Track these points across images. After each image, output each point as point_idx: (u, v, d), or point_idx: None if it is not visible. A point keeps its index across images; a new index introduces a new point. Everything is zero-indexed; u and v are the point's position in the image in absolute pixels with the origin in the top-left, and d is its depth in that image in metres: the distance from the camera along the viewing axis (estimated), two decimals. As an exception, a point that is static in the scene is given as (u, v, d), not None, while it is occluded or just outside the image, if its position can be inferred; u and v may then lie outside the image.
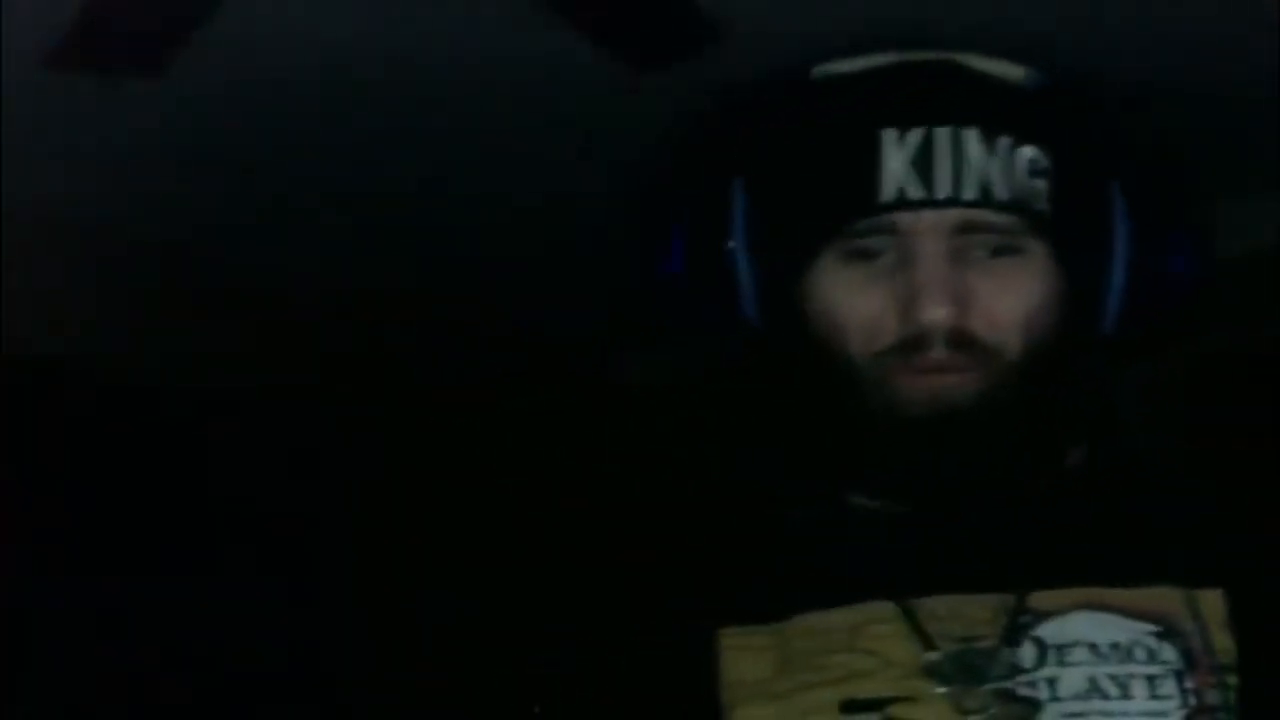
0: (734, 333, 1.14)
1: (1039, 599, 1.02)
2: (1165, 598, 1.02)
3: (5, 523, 3.10)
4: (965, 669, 1.01)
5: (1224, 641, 1.01)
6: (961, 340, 1.03)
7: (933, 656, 1.01)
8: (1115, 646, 1.00)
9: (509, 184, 3.37)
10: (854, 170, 1.05)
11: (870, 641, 1.03)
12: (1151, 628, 1.01)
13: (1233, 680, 1.00)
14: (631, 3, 2.44)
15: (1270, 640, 0.98)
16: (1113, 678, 0.99)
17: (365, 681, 3.63)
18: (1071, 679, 0.99)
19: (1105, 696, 0.99)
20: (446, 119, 3.07)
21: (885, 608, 1.03)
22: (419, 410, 4.00)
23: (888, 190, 1.04)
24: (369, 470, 3.84)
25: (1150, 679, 0.99)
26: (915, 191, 1.04)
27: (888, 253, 1.06)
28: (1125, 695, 0.99)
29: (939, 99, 1.07)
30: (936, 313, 1.02)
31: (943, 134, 1.04)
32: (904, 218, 1.05)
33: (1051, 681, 1.00)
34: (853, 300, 1.06)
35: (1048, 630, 1.01)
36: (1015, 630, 1.01)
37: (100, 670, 3.23)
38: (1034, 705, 0.99)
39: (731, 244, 1.11)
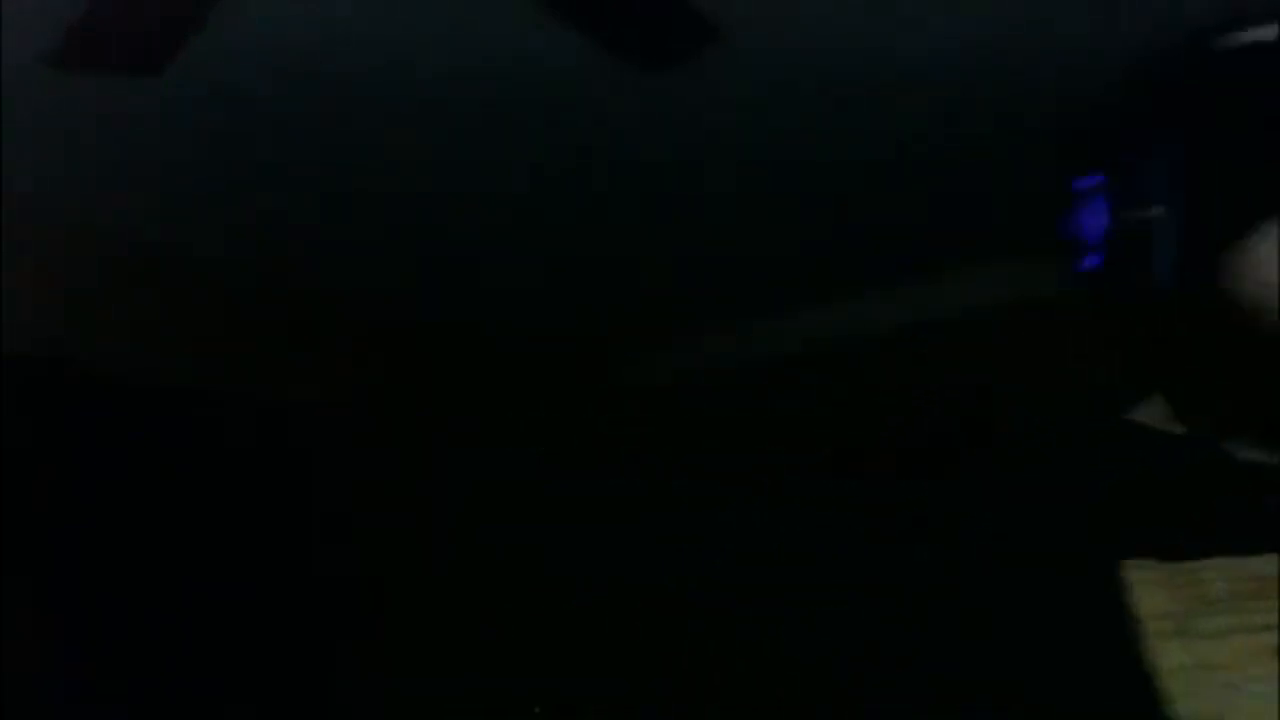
0: (1153, 298, 1.10)
1: None
2: None
3: (5, 523, 3.10)
4: None
5: None
6: None
7: None
8: None
9: (509, 184, 3.37)
10: None
11: None
12: None
13: None
14: (631, 3, 2.44)
15: None
16: None
17: (368, 683, 3.63)
18: None
19: None
20: (446, 119, 3.07)
21: None
22: (419, 410, 4.00)
23: None
24: (369, 470, 3.84)
25: None
26: None
27: None
28: None
29: None
30: None
31: None
32: None
33: None
34: None
35: None
36: None
37: (99, 670, 3.23)
38: None
39: (1155, 211, 1.08)
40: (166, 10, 2.35)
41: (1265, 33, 1.08)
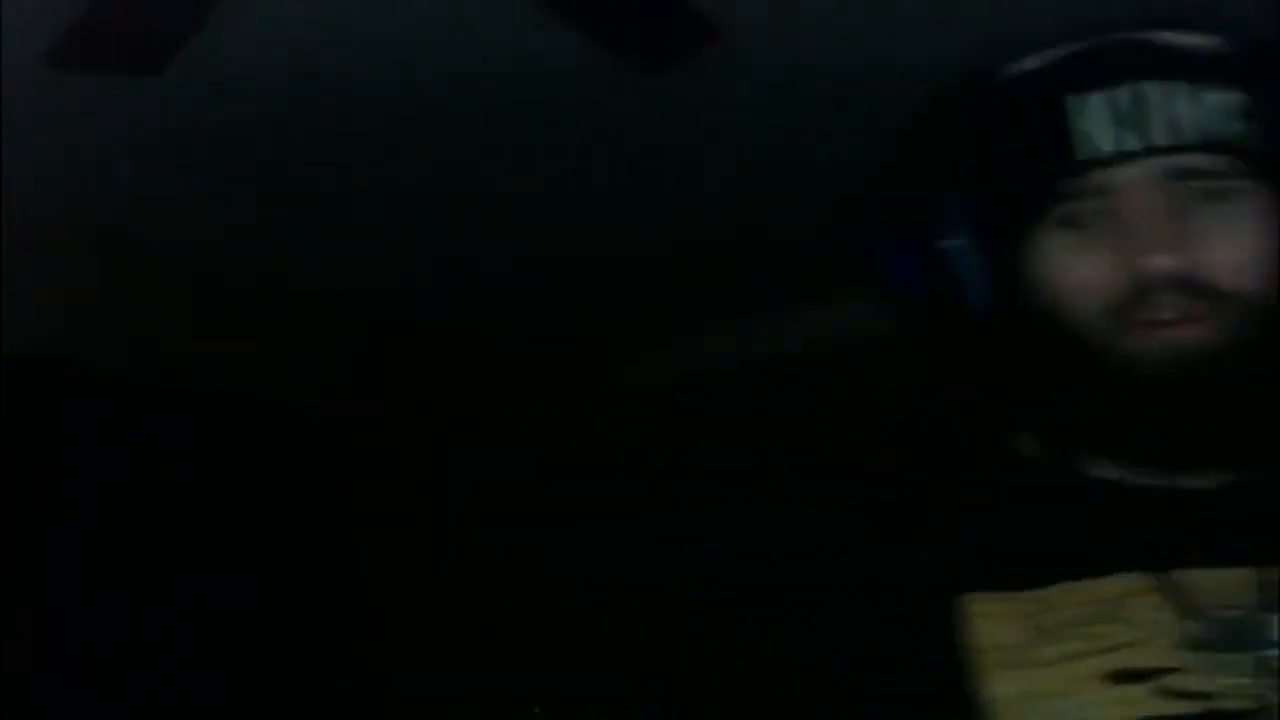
0: (966, 321, 1.12)
1: None
2: None
3: (5, 523, 3.10)
4: (1227, 637, 1.00)
5: None
6: (1188, 287, 1.02)
7: (1193, 626, 1.01)
8: None
9: (509, 184, 3.37)
10: (1050, 139, 1.05)
11: (1130, 613, 1.02)
12: None
13: None
14: (631, 3, 2.44)
15: None
16: None
17: (368, 683, 3.63)
18: None
19: None
20: (446, 119, 3.07)
21: (1141, 580, 1.02)
22: (419, 410, 4.00)
23: (1085, 149, 1.04)
24: (370, 470, 3.84)
25: None
26: (1109, 146, 1.04)
27: (1100, 215, 1.05)
28: None
29: (1121, 61, 1.07)
30: (1156, 261, 1.01)
31: (1126, 90, 1.04)
32: (1106, 175, 1.04)
33: None
34: (1074, 264, 1.05)
35: None
36: (1270, 602, 1.00)
37: (100, 670, 3.23)
38: None
39: (951, 243, 1.10)
40: (166, 10, 2.34)
41: (1042, 58, 1.10)
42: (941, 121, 1.18)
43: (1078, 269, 1.05)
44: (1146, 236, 1.02)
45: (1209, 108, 1.04)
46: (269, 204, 3.42)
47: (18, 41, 2.50)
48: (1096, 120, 1.05)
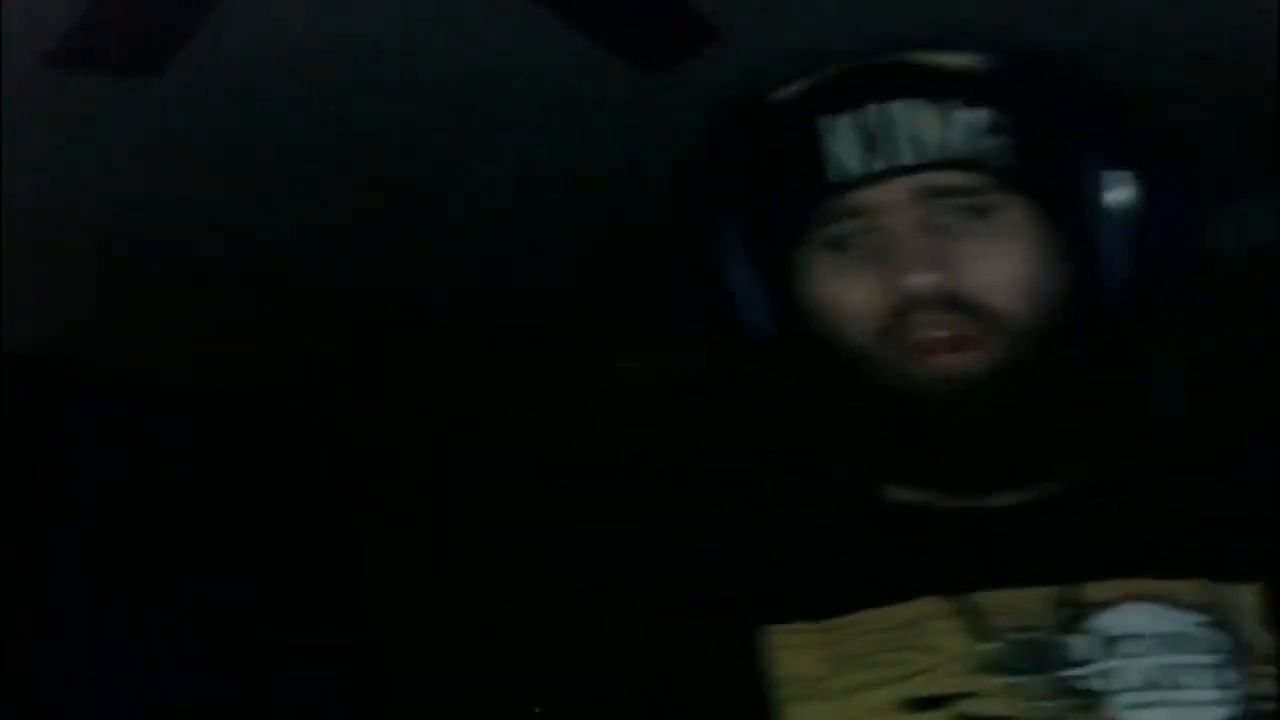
0: (757, 345, 1.14)
1: (1089, 591, 1.01)
2: (1209, 590, 1.01)
3: (5, 522, 3.10)
4: (1025, 659, 1.00)
5: (1262, 635, 1.00)
6: (953, 304, 1.02)
7: (990, 648, 1.01)
8: (1167, 636, 1.00)
9: (509, 184, 3.37)
10: (804, 161, 1.06)
11: (926, 638, 1.02)
12: (1200, 617, 1.01)
13: (1273, 671, 0.99)
14: (631, 3, 2.44)
15: None
16: (1167, 668, 0.99)
17: (372, 685, 3.63)
18: (1127, 670, 0.99)
19: (1161, 687, 0.98)
20: (446, 119, 3.07)
21: (938, 604, 1.03)
22: (420, 410, 4.00)
23: (835, 170, 1.05)
24: (369, 470, 3.83)
25: (1203, 668, 0.99)
26: (861, 166, 1.04)
27: (862, 237, 1.05)
28: (1180, 685, 0.98)
29: (873, 82, 1.07)
30: (916, 279, 1.02)
31: (876, 109, 1.05)
32: (863, 195, 1.05)
33: (1110, 674, 0.99)
34: (839, 288, 1.06)
35: (1102, 622, 1.00)
36: (1069, 621, 1.01)
37: (99, 669, 3.23)
38: (1094, 697, 0.99)
39: (731, 270, 1.12)
40: (166, 10, 2.34)
41: (803, 83, 1.11)
42: (714, 149, 1.19)
43: (844, 293, 1.05)
44: (904, 256, 1.02)
45: (958, 125, 1.04)
46: (269, 204, 3.42)
47: (18, 42, 2.50)
48: (845, 141, 1.05)
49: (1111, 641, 0.99)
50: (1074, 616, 1.00)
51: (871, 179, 1.04)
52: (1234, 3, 2.74)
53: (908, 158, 1.03)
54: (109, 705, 3.24)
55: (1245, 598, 1.01)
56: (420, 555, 3.77)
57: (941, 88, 1.05)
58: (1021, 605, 1.02)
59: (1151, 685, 0.98)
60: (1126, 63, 3.01)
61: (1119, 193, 1.06)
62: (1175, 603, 1.01)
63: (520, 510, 3.86)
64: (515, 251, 3.74)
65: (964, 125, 1.03)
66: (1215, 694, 0.98)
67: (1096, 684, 0.99)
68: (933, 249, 1.02)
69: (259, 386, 3.70)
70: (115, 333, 3.45)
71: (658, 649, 1.09)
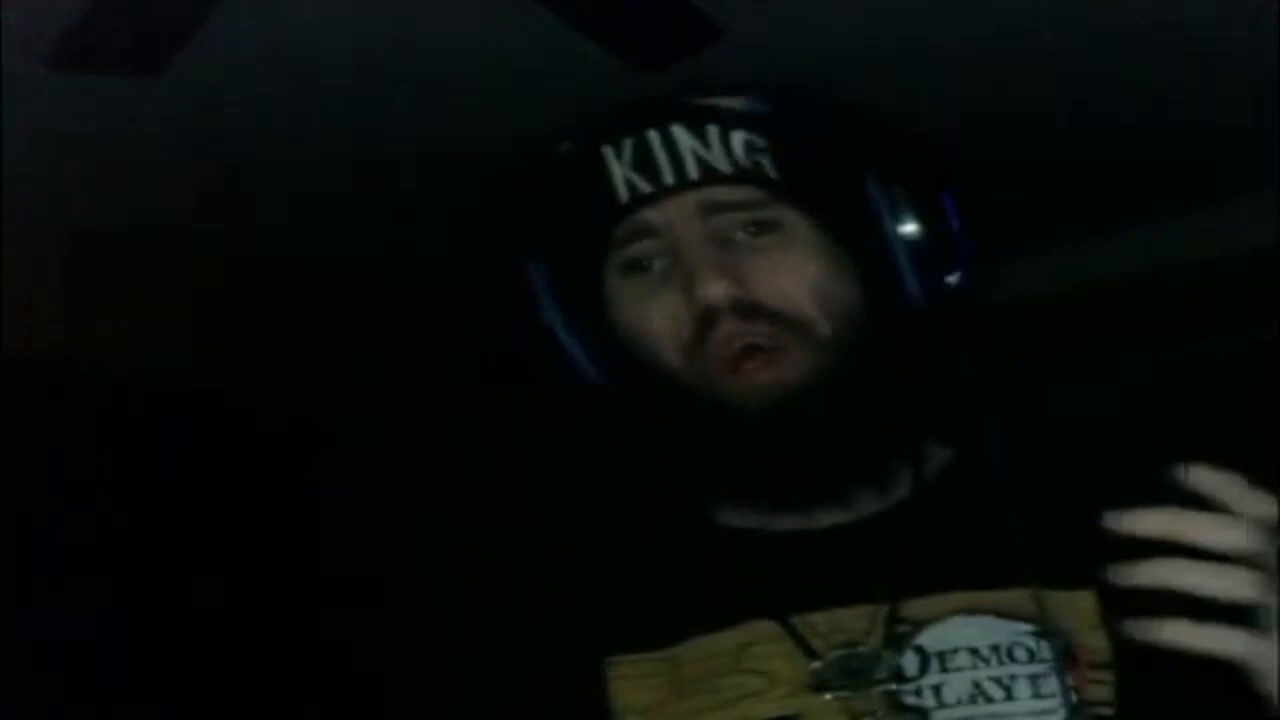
0: (579, 382, 1.17)
1: (915, 606, 1.03)
2: (1038, 599, 1.01)
3: (4, 522, 3.10)
4: (849, 673, 1.01)
5: (1097, 641, 1.01)
6: (752, 311, 1.04)
7: (817, 665, 1.02)
8: (995, 648, 1.01)
9: (509, 183, 3.37)
10: (590, 190, 1.10)
11: (757, 661, 1.03)
12: (1028, 627, 1.01)
13: (1109, 677, 1.00)
14: (631, 3, 2.44)
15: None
16: (996, 680, 1.00)
17: (362, 684, 3.64)
18: (956, 684, 1.00)
19: (990, 699, 0.99)
20: (446, 118, 3.07)
21: (768, 626, 1.04)
22: (420, 410, 4.00)
23: (621, 193, 1.08)
24: (369, 470, 3.84)
25: (1033, 678, 1.00)
26: (644, 186, 1.08)
27: (658, 257, 1.08)
28: (1010, 696, 0.99)
29: (647, 113, 1.12)
30: (709, 288, 1.04)
31: (654, 134, 1.09)
32: (649, 215, 1.08)
33: (936, 688, 1.00)
34: (642, 311, 1.08)
35: (928, 637, 1.01)
36: (895, 637, 1.02)
37: (99, 669, 3.23)
38: (921, 713, 0.99)
39: (545, 317, 1.16)
40: (166, 10, 2.34)
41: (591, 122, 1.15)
42: (517, 194, 1.23)
43: (647, 315, 1.08)
44: (696, 268, 1.05)
45: (734, 144, 1.08)
46: (269, 204, 3.42)
47: (19, 42, 2.50)
48: (629, 163, 1.09)
49: (939, 656, 1.00)
50: (902, 633, 1.01)
51: (656, 196, 1.07)
52: (1234, 3, 2.74)
53: (688, 174, 1.07)
54: (109, 703, 3.25)
55: (1078, 604, 1.02)
56: (420, 555, 3.78)
57: (715, 116, 1.10)
58: (849, 623, 1.02)
59: (977, 698, 0.99)
60: (1128, 64, 3.01)
61: (894, 214, 1.08)
62: (1003, 614, 1.02)
63: (519, 510, 3.86)
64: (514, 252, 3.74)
65: (738, 143, 1.08)
66: (1041, 703, 0.98)
67: (923, 700, 0.99)
68: (722, 259, 1.05)
69: (259, 386, 3.70)
70: (116, 333, 3.45)
71: (512, 684, 1.11)
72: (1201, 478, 0.89)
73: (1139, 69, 3.02)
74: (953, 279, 1.09)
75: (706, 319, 1.04)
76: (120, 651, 3.27)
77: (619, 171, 1.09)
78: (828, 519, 1.08)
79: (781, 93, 1.12)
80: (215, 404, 3.60)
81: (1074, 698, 0.99)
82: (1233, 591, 0.87)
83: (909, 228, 1.09)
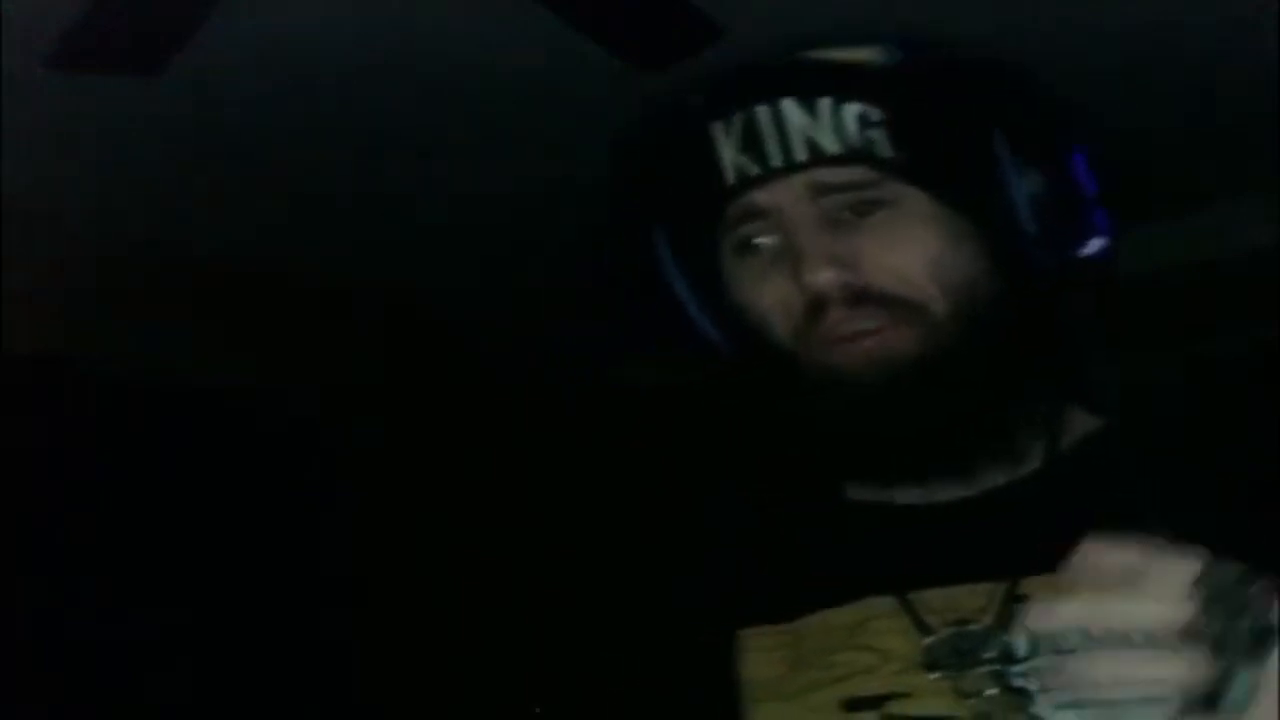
0: (709, 352, 1.15)
1: (1031, 585, 1.01)
2: None
3: (4, 522, 3.10)
4: (958, 652, 1.00)
5: (1200, 617, 0.99)
6: (862, 297, 1.03)
7: (930, 641, 1.01)
8: (1109, 632, 0.99)
9: (509, 184, 3.37)
10: (701, 168, 1.08)
11: (871, 638, 1.03)
12: None
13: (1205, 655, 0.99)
14: (631, 3, 2.44)
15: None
16: (1103, 664, 0.95)
17: (364, 684, 3.63)
18: (1062, 667, 0.97)
19: (1098, 685, 0.96)
20: (446, 119, 3.07)
21: (886, 602, 1.03)
22: (420, 411, 4.00)
23: (729, 175, 1.06)
24: (369, 470, 3.84)
25: (1141, 663, 0.95)
26: (751, 168, 1.06)
27: (768, 238, 1.07)
28: (1122, 681, 0.98)
29: (755, 83, 1.09)
30: (818, 275, 1.03)
31: (763, 110, 1.06)
32: (758, 197, 1.06)
33: (1043, 670, 0.99)
34: (754, 291, 1.07)
35: (1039, 617, 1.00)
36: (1008, 616, 1.01)
37: (99, 669, 3.23)
38: (1027, 695, 0.98)
39: (669, 281, 1.14)
40: (166, 10, 2.34)
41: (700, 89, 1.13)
42: (631, 162, 1.21)
43: (759, 295, 1.07)
44: (804, 254, 1.04)
45: (846, 119, 1.05)
46: (269, 204, 3.42)
47: (19, 43, 2.50)
48: (737, 143, 1.07)
49: (1050, 637, 0.97)
50: (1013, 611, 1.00)
51: (765, 179, 1.05)
52: (1234, 3, 2.74)
53: (796, 156, 1.04)
54: (109, 702, 3.25)
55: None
56: (420, 555, 3.77)
57: (829, 84, 1.07)
58: (964, 601, 1.02)
59: (1083, 683, 0.98)
60: (1128, 65, 3.01)
61: (1023, 179, 1.06)
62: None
63: (518, 509, 3.86)
64: (515, 251, 3.74)
65: (850, 118, 1.05)
66: (1154, 689, 0.97)
67: (1031, 681, 0.98)
68: (832, 245, 1.03)
69: (259, 386, 3.70)
70: (115, 333, 3.45)
71: (644, 654, 1.10)
72: (1100, 558, 0.86)
73: (1139, 69, 3.02)
74: (1087, 247, 1.07)
75: (816, 305, 1.03)
76: (120, 651, 3.27)
77: (727, 153, 1.07)
78: (948, 493, 1.06)
79: (907, 44, 1.11)
80: (215, 404, 3.60)
81: (1188, 680, 0.97)
82: (1161, 679, 0.85)
83: (1040, 192, 1.06)
